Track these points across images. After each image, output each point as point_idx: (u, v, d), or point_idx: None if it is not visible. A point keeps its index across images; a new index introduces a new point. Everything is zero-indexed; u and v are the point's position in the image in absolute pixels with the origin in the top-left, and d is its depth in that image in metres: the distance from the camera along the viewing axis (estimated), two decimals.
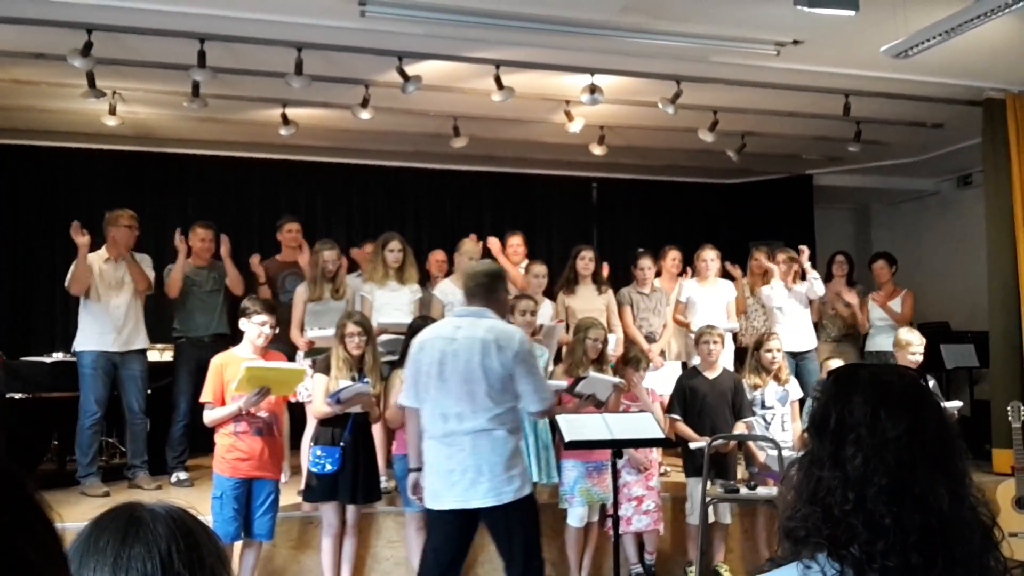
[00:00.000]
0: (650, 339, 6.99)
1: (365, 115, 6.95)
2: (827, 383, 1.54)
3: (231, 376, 4.84)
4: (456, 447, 3.90)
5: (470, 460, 3.88)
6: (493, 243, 7.16)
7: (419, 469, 4.11)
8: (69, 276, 6.27)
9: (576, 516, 5.45)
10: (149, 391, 6.56)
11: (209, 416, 4.94)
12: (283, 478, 5.65)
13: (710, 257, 7.36)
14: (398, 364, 5.45)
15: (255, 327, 4.98)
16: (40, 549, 0.53)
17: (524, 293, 6.14)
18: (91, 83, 6.27)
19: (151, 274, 6.58)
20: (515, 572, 4.00)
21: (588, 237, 9.71)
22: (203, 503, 4.90)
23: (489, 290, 4.09)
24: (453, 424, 3.91)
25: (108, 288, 6.34)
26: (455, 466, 3.89)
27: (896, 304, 7.82)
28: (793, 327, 7.26)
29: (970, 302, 8.92)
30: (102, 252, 6.42)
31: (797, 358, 7.15)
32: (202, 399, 5.01)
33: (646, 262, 7.22)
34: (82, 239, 6.16)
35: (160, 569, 1.16)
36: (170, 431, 6.57)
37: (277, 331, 5.19)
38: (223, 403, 4.89)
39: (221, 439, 4.92)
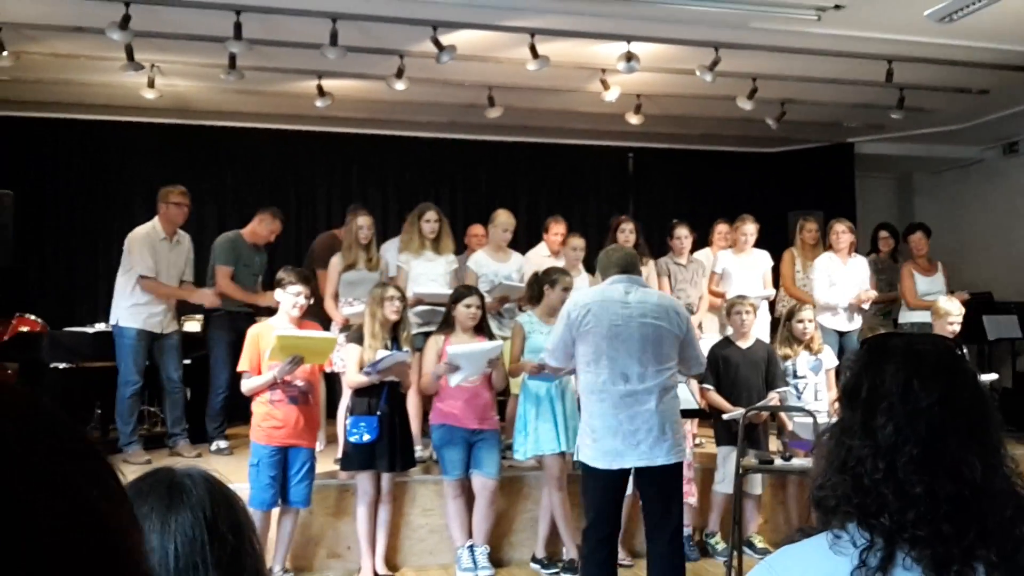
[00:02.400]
0: (688, 310, 6.93)
1: (400, 86, 6.94)
2: (860, 352, 1.52)
3: (267, 346, 4.90)
4: (640, 405, 4.00)
5: (655, 419, 4.00)
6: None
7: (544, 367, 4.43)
8: (151, 273, 6.31)
9: None
10: (188, 361, 6.66)
11: (246, 385, 5.02)
12: (319, 446, 5.73)
13: (751, 231, 7.27)
14: (435, 332, 5.49)
15: (290, 297, 5.03)
16: (112, 504, 0.54)
17: (562, 268, 6.10)
18: (129, 56, 6.32)
19: (187, 246, 6.63)
20: (666, 532, 4.09)
21: (624, 208, 9.65)
22: (241, 471, 4.99)
23: (639, 268, 4.39)
24: (635, 383, 4.01)
25: (160, 269, 6.40)
26: (640, 424, 4.00)
27: (939, 278, 7.66)
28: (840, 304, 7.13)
29: (1014, 272, 8.76)
30: (157, 227, 6.47)
31: (842, 336, 7.04)
32: (239, 368, 5.09)
33: (682, 231, 7.16)
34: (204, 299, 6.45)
35: (206, 532, 1.19)
36: (209, 401, 6.67)
37: (312, 301, 5.24)
38: (260, 372, 4.96)
39: (257, 407, 5.00)
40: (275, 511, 5.02)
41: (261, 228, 6.90)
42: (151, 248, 6.34)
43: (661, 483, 4.07)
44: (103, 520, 0.53)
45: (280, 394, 4.95)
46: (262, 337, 5.00)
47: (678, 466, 4.14)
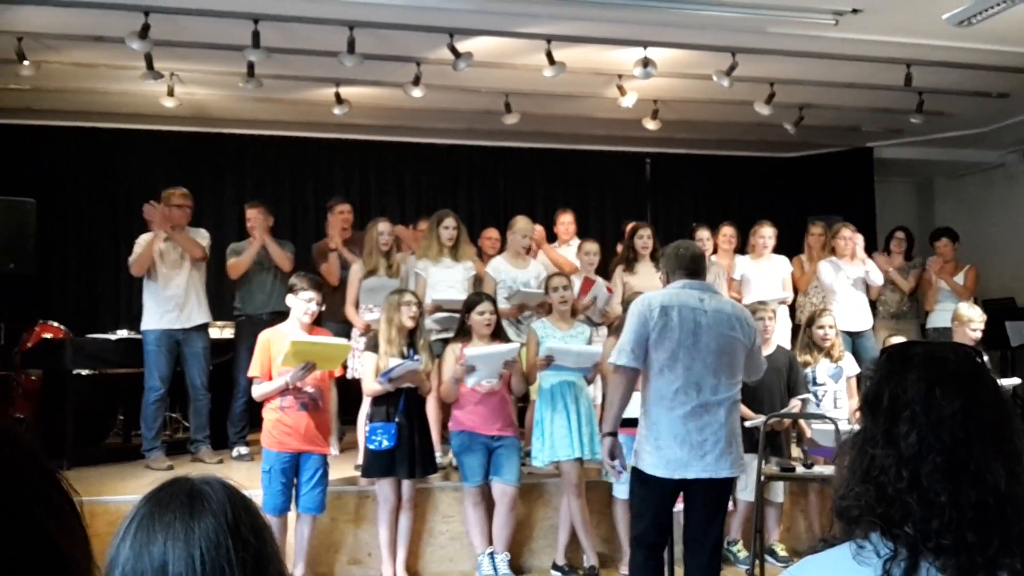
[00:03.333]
0: None
1: (417, 93, 6.98)
2: (880, 361, 1.52)
3: (278, 351, 4.90)
4: (711, 416, 3.92)
5: (723, 431, 3.93)
6: (538, 231, 7.14)
7: (614, 434, 4.04)
8: (132, 257, 6.41)
9: (624, 490, 5.45)
10: (211, 368, 6.70)
11: (257, 391, 5.02)
12: (333, 451, 5.75)
13: (768, 235, 7.24)
14: (452, 340, 5.50)
15: (302, 303, 5.03)
16: (59, 521, 0.55)
17: (559, 272, 6.12)
18: (149, 65, 6.39)
19: (205, 243, 6.67)
20: (709, 544, 4.04)
21: (642, 213, 9.63)
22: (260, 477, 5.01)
23: (706, 269, 4.27)
24: (707, 394, 3.93)
25: (168, 267, 6.47)
26: (708, 436, 3.91)
27: (959, 278, 7.64)
28: (850, 306, 7.11)
29: None
30: (160, 232, 6.53)
31: (854, 337, 7.02)
32: (249, 374, 5.09)
33: (703, 234, 7.16)
34: (158, 221, 6.29)
35: (230, 537, 1.20)
36: (231, 407, 6.71)
37: (324, 308, 5.25)
38: (271, 378, 4.96)
39: (268, 414, 4.99)
40: (291, 517, 5.03)
41: (248, 222, 6.92)
42: (145, 245, 6.37)
43: (717, 496, 4.03)
44: (48, 537, 0.54)
45: (291, 400, 4.94)
46: (273, 343, 5.00)
47: (733, 480, 4.14)
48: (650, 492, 4.00)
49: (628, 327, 4.06)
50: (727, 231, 7.57)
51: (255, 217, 6.89)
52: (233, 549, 1.20)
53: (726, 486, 4.08)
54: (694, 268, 4.13)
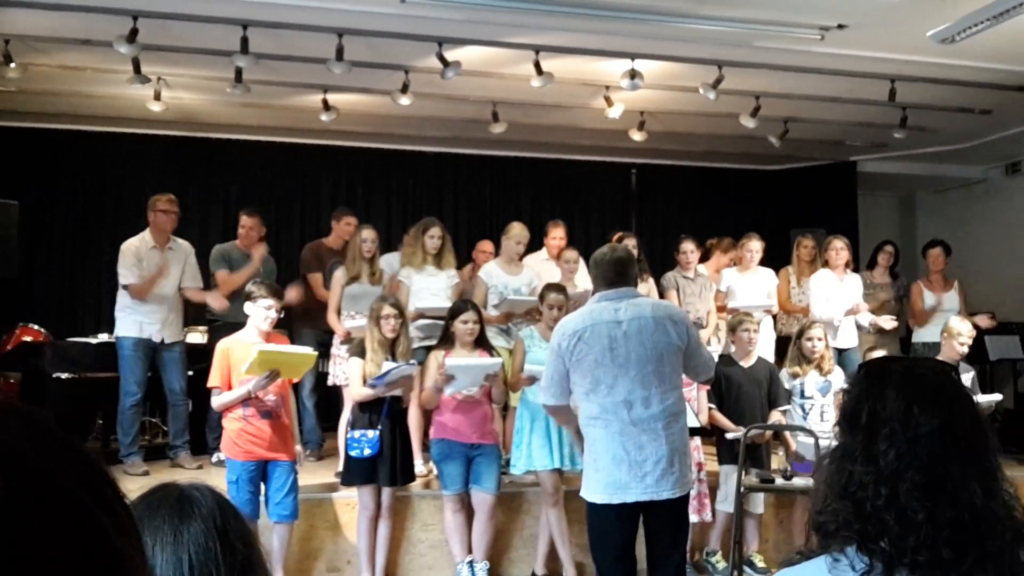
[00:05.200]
0: (698, 325, 6.93)
1: (405, 101, 6.99)
2: (858, 376, 1.53)
3: (237, 360, 4.85)
4: (649, 434, 3.69)
5: (664, 449, 3.69)
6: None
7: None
8: (131, 279, 6.29)
9: None
10: (191, 372, 6.66)
11: (217, 400, 4.94)
12: (301, 459, 5.75)
13: (756, 248, 7.25)
14: (436, 347, 5.50)
15: (261, 311, 4.96)
16: (116, 522, 0.56)
17: (556, 284, 6.12)
18: (136, 69, 6.37)
19: (191, 259, 6.64)
20: (671, 566, 3.84)
21: (627, 224, 9.66)
22: None
23: (631, 270, 3.97)
24: (639, 410, 3.70)
25: (145, 277, 6.40)
26: (648, 455, 3.68)
27: (953, 296, 7.67)
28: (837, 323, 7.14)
29: (1016, 293, 8.77)
30: (146, 238, 6.48)
31: (840, 353, 7.04)
32: (209, 384, 4.99)
33: (689, 246, 7.18)
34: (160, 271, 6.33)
35: (218, 542, 1.21)
36: (209, 413, 6.66)
37: (283, 315, 5.21)
38: (230, 387, 4.89)
39: (230, 423, 4.92)
40: (262, 525, 4.99)
41: (240, 229, 6.93)
42: (136, 257, 6.31)
43: (668, 518, 3.80)
44: (107, 539, 0.54)
45: (253, 409, 4.88)
46: (232, 351, 4.92)
47: (685, 498, 3.87)
48: (601, 520, 3.78)
49: (547, 362, 3.95)
50: (726, 245, 7.65)
51: (253, 226, 6.89)
52: (221, 554, 1.21)
53: (679, 505, 3.83)
54: (611, 276, 3.89)
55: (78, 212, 8.78)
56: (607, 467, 3.71)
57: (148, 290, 6.30)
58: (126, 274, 6.31)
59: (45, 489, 0.53)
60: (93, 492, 0.55)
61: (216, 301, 6.46)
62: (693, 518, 5.21)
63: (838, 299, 7.12)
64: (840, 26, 5.98)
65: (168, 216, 6.48)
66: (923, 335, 7.62)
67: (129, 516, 0.58)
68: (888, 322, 7.31)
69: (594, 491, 3.77)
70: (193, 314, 6.98)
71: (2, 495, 0.50)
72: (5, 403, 0.57)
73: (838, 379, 5.99)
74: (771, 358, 6.45)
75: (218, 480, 5.52)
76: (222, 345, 5.03)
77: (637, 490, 3.69)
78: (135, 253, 6.34)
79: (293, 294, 6.42)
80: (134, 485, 5.86)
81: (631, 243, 6.88)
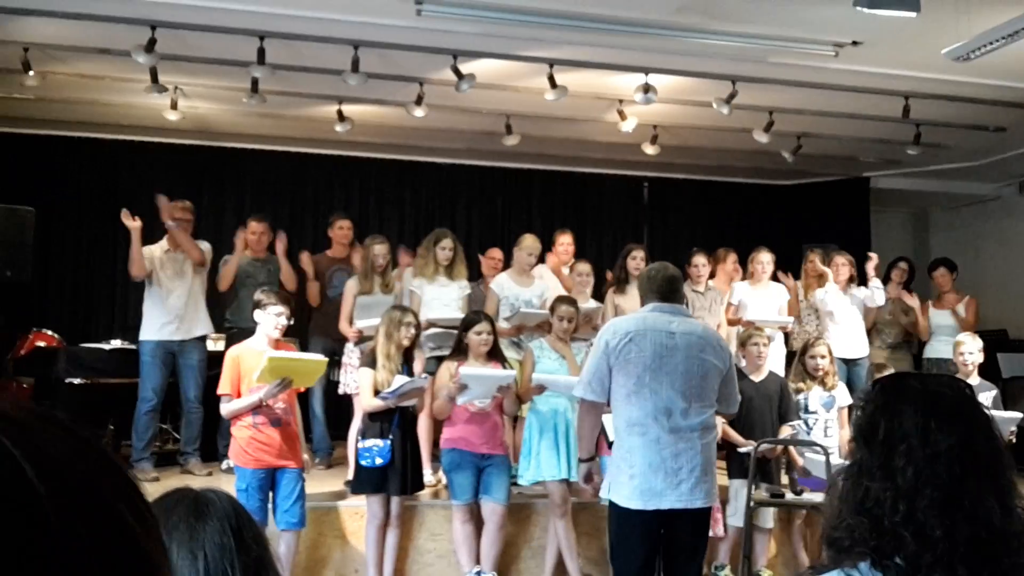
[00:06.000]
0: None
1: (419, 112, 7.02)
2: (874, 392, 1.53)
3: (247, 368, 4.85)
4: (685, 443, 3.76)
5: (698, 459, 3.78)
6: None
7: (592, 459, 3.99)
8: (129, 261, 6.42)
9: None
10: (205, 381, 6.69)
11: (227, 408, 4.94)
12: (309, 466, 5.76)
13: (766, 260, 7.26)
14: (448, 358, 5.51)
15: (271, 318, 4.96)
16: (146, 530, 0.57)
17: (567, 296, 6.12)
18: (154, 78, 6.42)
19: (207, 255, 6.69)
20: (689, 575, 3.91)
21: (639, 237, 9.67)
22: None
23: (682, 288, 4.13)
24: (678, 419, 3.77)
25: (168, 278, 6.48)
26: (683, 464, 3.74)
27: (960, 309, 7.67)
28: (846, 333, 7.15)
29: None
30: (163, 243, 6.55)
31: (849, 364, 7.05)
32: (219, 391, 4.99)
33: (700, 259, 7.18)
34: (132, 223, 6.27)
35: (234, 541, 1.23)
36: (221, 420, 6.68)
37: (292, 322, 5.22)
38: (239, 395, 4.90)
39: (240, 431, 4.92)
40: (270, 533, 5.00)
41: (249, 236, 6.95)
42: (150, 259, 6.39)
43: (693, 528, 3.87)
44: (137, 543, 0.56)
45: (263, 417, 4.88)
46: (242, 359, 4.92)
47: (710, 510, 3.99)
48: (629, 526, 3.82)
49: (590, 357, 4.00)
50: (732, 258, 7.64)
51: (264, 231, 6.94)
52: (237, 552, 1.22)
53: (703, 516, 3.92)
54: (666, 291, 3.99)
55: (93, 219, 8.83)
56: (643, 473, 3.76)
57: (136, 259, 6.33)
58: (135, 270, 6.39)
59: (85, 498, 0.54)
60: (126, 501, 0.57)
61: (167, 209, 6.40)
62: None
63: (842, 315, 7.17)
64: (854, 43, 6.00)
65: (183, 223, 6.53)
66: (934, 351, 7.62)
67: (156, 524, 0.60)
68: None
69: (628, 497, 3.80)
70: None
71: (47, 504, 0.51)
72: (46, 412, 0.58)
73: (842, 394, 5.99)
74: (781, 372, 6.44)
75: (227, 487, 5.54)
76: (232, 352, 5.04)
77: (671, 497, 3.74)
78: (149, 256, 6.40)
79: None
80: (144, 491, 5.87)
81: (641, 255, 6.90)
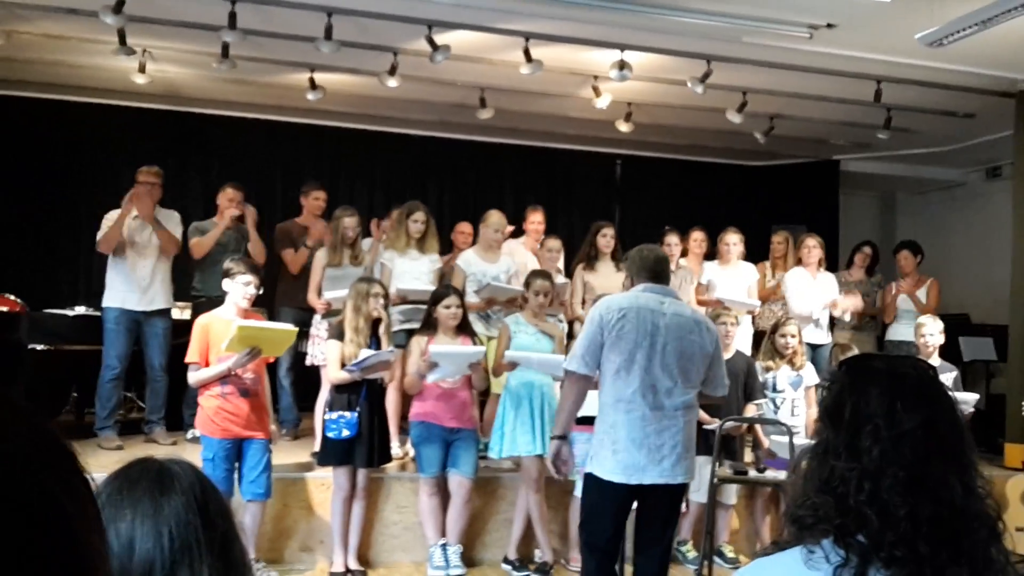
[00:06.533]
0: None
1: (392, 83, 6.96)
2: (840, 372, 1.55)
3: (216, 337, 4.83)
4: (668, 421, 3.87)
5: (680, 436, 3.89)
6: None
7: (564, 437, 4.03)
8: (100, 234, 6.33)
9: None
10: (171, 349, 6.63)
11: (195, 377, 4.92)
12: (277, 437, 5.76)
13: (733, 240, 7.32)
14: (418, 332, 5.50)
15: (240, 287, 4.94)
16: (74, 499, 0.55)
17: (542, 270, 6.12)
18: (122, 40, 6.30)
19: (177, 231, 6.61)
20: (660, 549, 4.03)
21: (610, 215, 9.70)
22: None
23: (668, 270, 4.22)
24: (663, 397, 3.87)
25: (137, 251, 6.40)
26: (666, 440, 3.86)
27: (922, 294, 7.77)
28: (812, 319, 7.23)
29: (991, 295, 8.86)
30: (131, 209, 6.46)
31: (814, 348, 7.12)
32: (187, 359, 4.96)
33: (673, 239, 7.22)
34: (132, 203, 6.22)
35: (199, 516, 1.21)
36: (187, 389, 6.63)
37: (261, 291, 5.20)
38: (207, 364, 4.87)
39: (207, 401, 4.90)
40: (235, 503, 4.98)
41: (223, 201, 6.87)
42: (116, 223, 6.31)
43: (669, 502, 4.01)
44: (74, 532, 0.53)
45: (231, 387, 4.87)
46: (211, 328, 4.90)
47: (686, 485, 4.13)
48: (606, 498, 3.93)
49: (583, 332, 4.05)
50: (697, 236, 7.66)
51: (236, 198, 6.84)
52: (202, 527, 1.21)
53: (680, 491, 4.08)
54: (657, 271, 4.10)
55: (58, 183, 8.67)
56: (627, 449, 3.85)
57: (114, 237, 6.26)
58: (99, 235, 6.30)
59: (15, 480, 0.51)
60: (64, 486, 0.54)
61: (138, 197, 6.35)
62: None
63: (812, 296, 7.22)
64: (829, 25, 6.02)
65: (152, 188, 6.45)
66: (897, 333, 7.72)
67: (98, 513, 0.57)
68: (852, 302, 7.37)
69: (610, 471, 3.88)
70: (177, 291, 6.92)
71: None
72: None
73: (810, 374, 6.06)
74: (748, 351, 6.50)
75: (192, 457, 5.51)
76: (201, 321, 5.01)
77: (653, 473, 3.85)
78: (115, 220, 6.32)
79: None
80: (108, 459, 5.85)
81: (610, 233, 6.92)
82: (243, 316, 4.96)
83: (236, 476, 4.97)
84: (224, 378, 4.85)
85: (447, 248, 7.28)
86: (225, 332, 4.77)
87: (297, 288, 6.58)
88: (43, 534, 0.51)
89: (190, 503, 1.22)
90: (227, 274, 5.01)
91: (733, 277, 7.29)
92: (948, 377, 5.90)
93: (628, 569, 4.34)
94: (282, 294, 6.85)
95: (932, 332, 6.21)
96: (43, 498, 0.52)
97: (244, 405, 4.89)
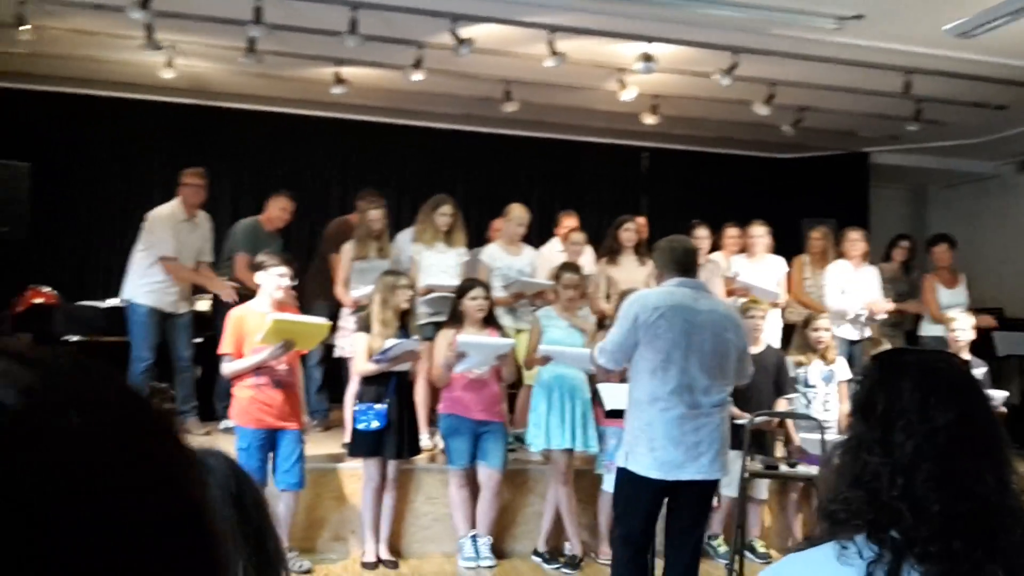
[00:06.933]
0: None
1: (417, 76, 6.96)
2: (872, 367, 1.54)
3: (250, 329, 4.88)
4: (705, 419, 3.91)
5: (716, 434, 3.95)
6: None
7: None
8: (173, 253, 6.37)
9: (613, 482, 5.49)
10: (199, 340, 6.69)
11: (230, 368, 4.98)
12: (309, 428, 5.80)
13: (759, 233, 7.27)
14: (445, 325, 5.52)
15: (273, 279, 4.99)
16: (208, 500, 0.53)
17: (570, 263, 6.11)
18: (149, 35, 6.35)
19: (208, 230, 6.68)
20: (692, 542, 4.07)
21: (637, 207, 9.64)
22: None
23: (697, 264, 4.24)
24: (700, 396, 3.90)
25: (181, 249, 6.45)
26: (703, 438, 3.90)
27: (961, 291, 7.63)
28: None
29: None
30: (178, 208, 6.53)
31: (852, 345, 7.04)
32: (221, 351, 5.03)
33: (701, 232, 7.16)
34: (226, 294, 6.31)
35: (235, 509, 1.22)
36: (217, 380, 6.69)
37: (296, 283, 5.23)
38: (241, 355, 4.93)
39: (241, 391, 4.97)
40: (269, 493, 5.04)
41: (275, 211, 6.94)
42: (173, 229, 6.38)
43: (704, 497, 4.06)
44: (208, 525, 0.51)
45: (266, 378, 4.92)
46: (245, 320, 4.96)
47: (719, 480, 4.17)
48: (641, 493, 3.96)
49: (617, 327, 4.05)
50: (732, 232, 7.58)
51: (288, 208, 6.91)
52: (238, 521, 1.21)
53: (713, 487, 4.12)
54: (686, 264, 4.08)
55: (89, 176, 8.76)
56: (664, 447, 3.88)
57: (181, 275, 6.33)
58: (163, 246, 6.34)
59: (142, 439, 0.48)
60: (168, 441, 0.51)
61: (227, 293, 6.34)
62: None
63: (854, 290, 7.12)
64: (857, 16, 5.95)
65: (196, 190, 6.55)
66: (931, 329, 7.58)
67: (210, 494, 0.55)
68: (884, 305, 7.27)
69: (647, 467, 3.91)
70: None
71: (105, 436, 0.46)
72: (88, 360, 0.51)
73: (842, 369, 6.01)
74: (777, 345, 6.45)
75: (225, 447, 5.56)
76: (235, 313, 5.07)
77: (691, 470, 3.89)
78: (172, 225, 6.38)
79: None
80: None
81: (634, 226, 6.89)
82: (277, 308, 5.01)
83: (270, 466, 5.01)
84: (258, 369, 4.91)
85: (474, 242, 7.27)
86: (259, 324, 4.82)
87: (327, 281, 6.61)
88: (183, 522, 0.49)
89: (225, 496, 1.23)
90: (259, 267, 5.06)
91: (761, 270, 7.23)
92: (978, 373, 5.83)
93: (659, 563, 4.34)
94: (313, 287, 6.88)
95: (963, 327, 6.13)
96: (179, 484, 0.50)
97: (278, 396, 4.94)
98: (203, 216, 6.69)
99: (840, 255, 7.34)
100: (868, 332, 7.20)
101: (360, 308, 6.02)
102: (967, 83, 7.22)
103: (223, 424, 6.59)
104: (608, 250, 6.94)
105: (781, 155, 10.25)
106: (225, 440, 6.17)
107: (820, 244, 7.64)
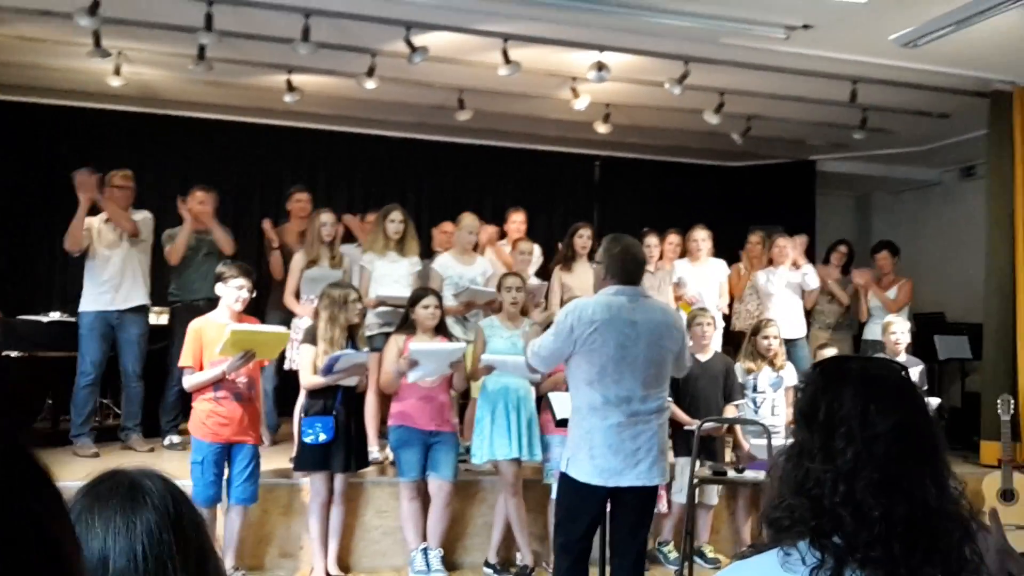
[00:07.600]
0: None
1: (370, 84, 6.94)
2: (814, 374, 1.56)
3: (209, 341, 4.81)
4: (643, 426, 3.94)
5: (655, 440, 3.99)
6: (489, 230, 7.15)
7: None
8: (66, 234, 6.27)
9: None
10: (155, 347, 6.59)
11: (190, 381, 4.91)
12: (265, 442, 5.72)
13: (701, 237, 7.39)
14: (396, 332, 5.48)
15: (232, 291, 4.93)
16: (47, 509, 0.54)
17: (512, 272, 6.12)
18: (97, 42, 6.25)
19: (147, 226, 6.56)
20: (634, 549, 4.09)
21: (589, 215, 9.68)
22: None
23: (642, 274, 4.23)
24: (637, 405, 3.94)
25: (105, 246, 6.37)
26: (641, 444, 3.94)
27: (891, 292, 7.83)
28: (784, 314, 7.27)
29: (966, 294, 8.93)
30: (102, 214, 6.42)
31: (788, 344, 7.16)
32: (181, 364, 4.97)
33: (652, 240, 7.22)
34: (87, 195, 6.14)
35: (173, 532, 1.19)
36: (164, 395, 6.59)
37: (255, 295, 5.18)
38: (201, 368, 4.86)
39: (200, 404, 4.89)
40: (219, 508, 4.97)
41: (200, 205, 6.75)
42: (88, 230, 6.27)
43: (644, 503, 4.07)
44: (51, 536, 0.53)
45: (225, 391, 4.86)
46: (204, 332, 4.89)
47: (658, 487, 4.18)
48: (583, 500, 3.99)
49: (553, 334, 4.04)
50: (673, 239, 7.68)
51: (207, 200, 6.76)
52: (175, 544, 1.19)
53: (654, 493, 4.13)
54: (633, 275, 4.08)
55: (31, 187, 8.58)
56: (603, 455, 3.91)
57: (76, 234, 6.21)
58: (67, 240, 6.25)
59: None
60: (30, 482, 0.54)
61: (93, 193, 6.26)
62: None
63: (781, 295, 7.45)
64: (805, 26, 6.05)
65: (123, 192, 6.42)
66: (870, 332, 7.80)
67: (66, 511, 0.57)
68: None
69: (588, 474, 3.93)
70: (154, 297, 6.85)
71: None
72: None
73: (790, 375, 6.10)
74: (719, 350, 6.54)
75: (170, 463, 5.48)
76: (194, 325, 4.99)
77: (630, 476, 3.93)
78: (87, 227, 6.28)
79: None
80: (83, 467, 5.79)
81: (588, 233, 6.93)
82: (237, 320, 4.96)
83: (225, 480, 4.94)
84: (218, 382, 4.84)
85: (427, 251, 7.27)
86: (218, 336, 4.76)
87: (280, 291, 6.55)
88: (27, 551, 0.50)
89: (162, 519, 1.20)
90: (219, 278, 5.01)
91: (703, 274, 7.33)
92: (915, 371, 5.98)
93: (595, 572, 4.34)
94: (271, 297, 6.82)
95: (901, 330, 6.34)
96: (22, 516, 0.51)
97: (237, 410, 4.89)
98: (140, 215, 6.54)
99: (770, 261, 7.63)
100: (803, 331, 7.47)
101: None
102: (912, 92, 7.37)
103: (168, 440, 6.50)
104: (563, 257, 6.98)
105: (731, 163, 10.37)
106: (170, 457, 6.09)
107: (757, 249, 7.88)
